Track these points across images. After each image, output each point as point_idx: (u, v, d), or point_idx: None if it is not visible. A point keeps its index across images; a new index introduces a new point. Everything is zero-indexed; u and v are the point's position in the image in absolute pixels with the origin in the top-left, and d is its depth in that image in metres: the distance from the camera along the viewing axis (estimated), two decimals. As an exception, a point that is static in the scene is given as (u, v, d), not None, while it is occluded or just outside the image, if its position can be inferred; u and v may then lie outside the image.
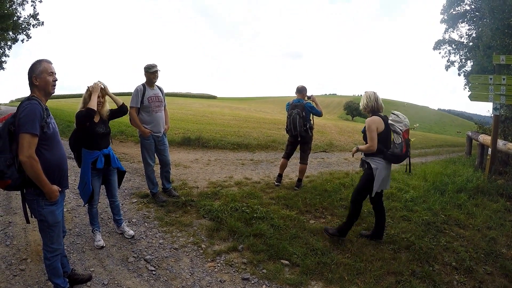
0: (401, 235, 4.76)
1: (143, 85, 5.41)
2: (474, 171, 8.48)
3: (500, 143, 7.90)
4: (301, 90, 6.83)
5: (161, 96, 5.57)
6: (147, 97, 5.35)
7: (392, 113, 4.55)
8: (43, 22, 23.81)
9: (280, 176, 7.12)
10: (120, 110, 4.35)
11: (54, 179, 2.80)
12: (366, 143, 4.36)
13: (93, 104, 3.88)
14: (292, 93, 7.07)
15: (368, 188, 4.42)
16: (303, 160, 6.83)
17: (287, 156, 7.03)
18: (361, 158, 4.61)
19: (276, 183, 7.00)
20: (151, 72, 5.36)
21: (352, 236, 4.67)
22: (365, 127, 4.42)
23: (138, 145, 9.18)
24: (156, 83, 5.53)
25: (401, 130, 4.37)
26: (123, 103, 4.35)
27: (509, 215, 5.76)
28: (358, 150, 4.52)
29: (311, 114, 6.72)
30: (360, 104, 4.60)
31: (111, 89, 4.26)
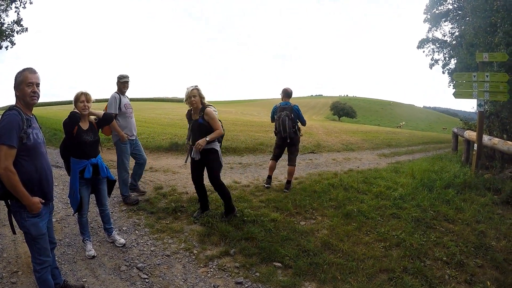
0: (391, 233, 4.80)
1: (117, 93, 5.77)
2: (461, 166, 8.63)
3: (486, 138, 8.04)
4: (289, 93, 6.90)
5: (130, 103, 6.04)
6: (124, 104, 5.77)
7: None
8: (27, 28, 23.47)
9: (269, 178, 7.15)
10: (104, 119, 4.32)
11: (35, 191, 2.77)
12: (205, 134, 4.84)
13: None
14: (278, 95, 7.11)
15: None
16: (292, 162, 6.91)
17: (276, 158, 7.10)
18: (193, 148, 4.92)
19: (266, 185, 7.02)
20: (121, 82, 5.77)
21: (343, 236, 4.71)
22: (203, 118, 4.87)
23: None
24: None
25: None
26: (104, 112, 4.32)
27: (497, 209, 5.86)
28: (208, 141, 4.85)
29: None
30: (203, 97, 5.05)
31: (102, 94, 4.25)
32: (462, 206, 5.84)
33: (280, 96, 7.12)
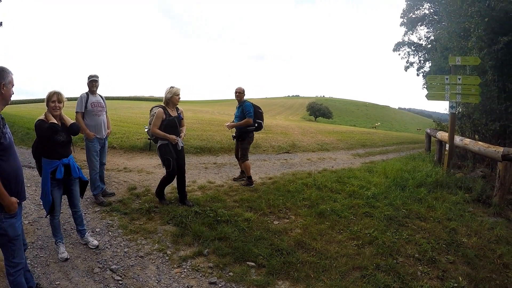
0: (364, 231, 4.89)
1: (87, 93, 5.97)
2: (433, 166, 8.85)
3: (457, 139, 8.27)
4: None
5: (103, 102, 6.13)
6: (90, 103, 5.91)
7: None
8: (1, 22, 22.67)
9: (251, 177, 7.29)
10: (69, 128, 4.10)
11: (11, 190, 2.72)
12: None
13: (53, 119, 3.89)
14: (257, 95, 7.23)
15: None
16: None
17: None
18: (180, 139, 5.63)
19: (251, 185, 7.14)
20: (89, 81, 5.96)
21: (316, 235, 4.77)
22: (181, 115, 5.78)
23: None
24: (98, 92, 6.10)
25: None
26: (72, 122, 4.15)
27: (468, 206, 6.06)
28: (184, 135, 5.80)
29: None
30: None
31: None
32: (434, 204, 6.00)
33: (234, 96, 7.51)
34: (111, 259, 4.07)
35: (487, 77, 8.75)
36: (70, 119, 4.16)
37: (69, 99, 4.39)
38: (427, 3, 25.07)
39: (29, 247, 4.13)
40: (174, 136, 5.50)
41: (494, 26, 8.37)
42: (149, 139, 7.00)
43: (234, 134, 7.44)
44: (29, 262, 3.78)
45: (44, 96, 4.06)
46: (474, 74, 9.06)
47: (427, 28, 25.83)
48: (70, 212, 4.46)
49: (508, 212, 5.89)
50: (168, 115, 5.54)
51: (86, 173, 5.27)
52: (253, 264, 4.00)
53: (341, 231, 4.95)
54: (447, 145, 8.28)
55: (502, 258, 4.27)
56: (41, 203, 4.24)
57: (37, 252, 4.17)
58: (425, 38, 26.14)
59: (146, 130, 6.29)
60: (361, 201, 6.10)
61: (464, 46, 10.49)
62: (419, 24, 26.28)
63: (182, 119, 5.83)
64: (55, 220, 4.11)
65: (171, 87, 5.60)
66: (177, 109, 5.79)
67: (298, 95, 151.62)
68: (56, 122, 3.88)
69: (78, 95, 5.91)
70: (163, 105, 5.65)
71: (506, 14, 8.07)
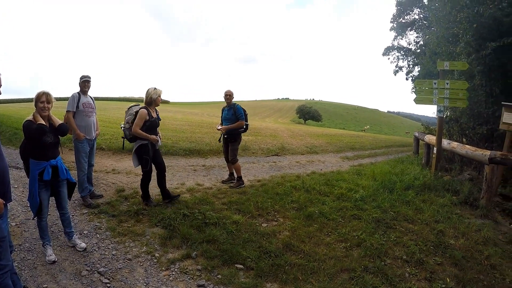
0: (352, 233, 4.92)
1: (78, 92, 5.94)
2: (421, 169, 8.96)
3: (445, 142, 8.37)
4: None
5: (93, 103, 6.16)
6: (82, 103, 5.90)
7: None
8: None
9: (241, 177, 7.37)
10: (58, 129, 4.12)
11: None
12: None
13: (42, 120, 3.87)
14: (246, 97, 7.30)
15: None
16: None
17: None
18: (159, 139, 5.80)
19: (242, 185, 7.24)
20: (82, 81, 5.94)
21: (304, 237, 4.78)
22: (159, 115, 5.93)
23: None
24: (88, 93, 6.09)
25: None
26: (60, 123, 4.15)
27: (456, 209, 6.12)
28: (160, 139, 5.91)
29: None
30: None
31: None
32: (422, 206, 6.06)
33: (223, 99, 7.56)
34: (99, 261, 4.04)
35: (475, 82, 8.87)
36: (58, 120, 4.14)
37: (58, 99, 4.37)
38: (417, 8, 25.48)
39: (16, 250, 4.10)
40: (155, 136, 5.61)
41: (482, 32, 8.50)
42: (123, 137, 7.39)
43: (223, 137, 7.50)
44: (16, 264, 3.75)
45: (32, 95, 4.03)
46: (462, 79, 9.18)
47: (417, 33, 26.25)
48: (58, 214, 4.41)
49: (495, 214, 5.97)
50: (151, 116, 5.62)
51: (74, 174, 5.23)
52: (241, 266, 4.00)
53: (329, 233, 4.98)
54: (435, 148, 8.39)
55: (489, 259, 4.34)
56: (29, 205, 4.19)
57: (24, 254, 4.12)
58: (414, 43, 26.57)
59: (122, 128, 6.21)
60: (349, 203, 6.13)
61: (452, 51, 10.63)
62: (409, 29, 26.68)
63: (160, 120, 5.96)
64: (43, 222, 4.07)
65: (154, 88, 5.70)
66: (156, 110, 5.90)
67: (288, 98, 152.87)
68: (44, 123, 3.86)
69: (65, 95, 5.85)
70: (145, 105, 5.70)
71: (494, 21, 8.20)
